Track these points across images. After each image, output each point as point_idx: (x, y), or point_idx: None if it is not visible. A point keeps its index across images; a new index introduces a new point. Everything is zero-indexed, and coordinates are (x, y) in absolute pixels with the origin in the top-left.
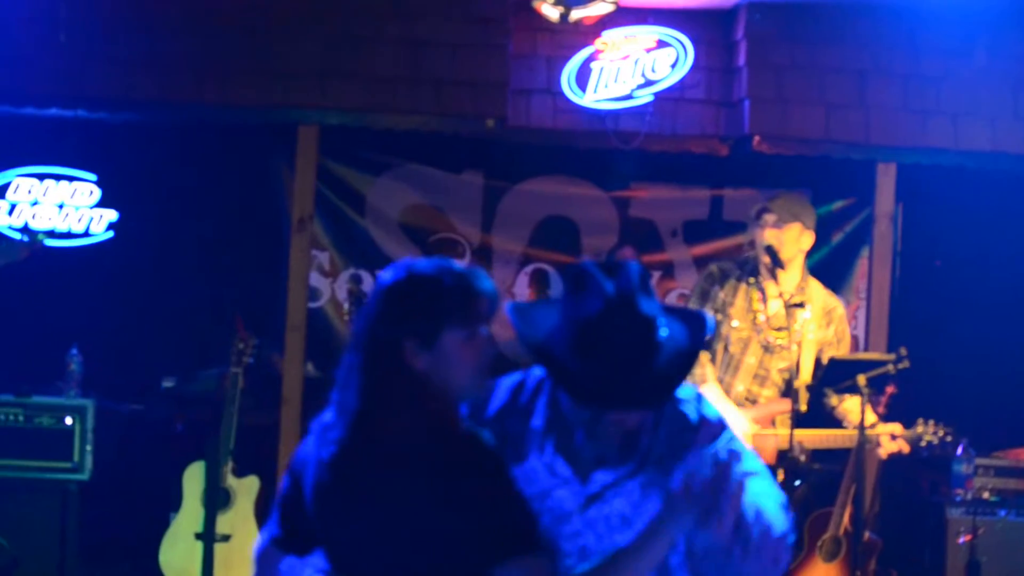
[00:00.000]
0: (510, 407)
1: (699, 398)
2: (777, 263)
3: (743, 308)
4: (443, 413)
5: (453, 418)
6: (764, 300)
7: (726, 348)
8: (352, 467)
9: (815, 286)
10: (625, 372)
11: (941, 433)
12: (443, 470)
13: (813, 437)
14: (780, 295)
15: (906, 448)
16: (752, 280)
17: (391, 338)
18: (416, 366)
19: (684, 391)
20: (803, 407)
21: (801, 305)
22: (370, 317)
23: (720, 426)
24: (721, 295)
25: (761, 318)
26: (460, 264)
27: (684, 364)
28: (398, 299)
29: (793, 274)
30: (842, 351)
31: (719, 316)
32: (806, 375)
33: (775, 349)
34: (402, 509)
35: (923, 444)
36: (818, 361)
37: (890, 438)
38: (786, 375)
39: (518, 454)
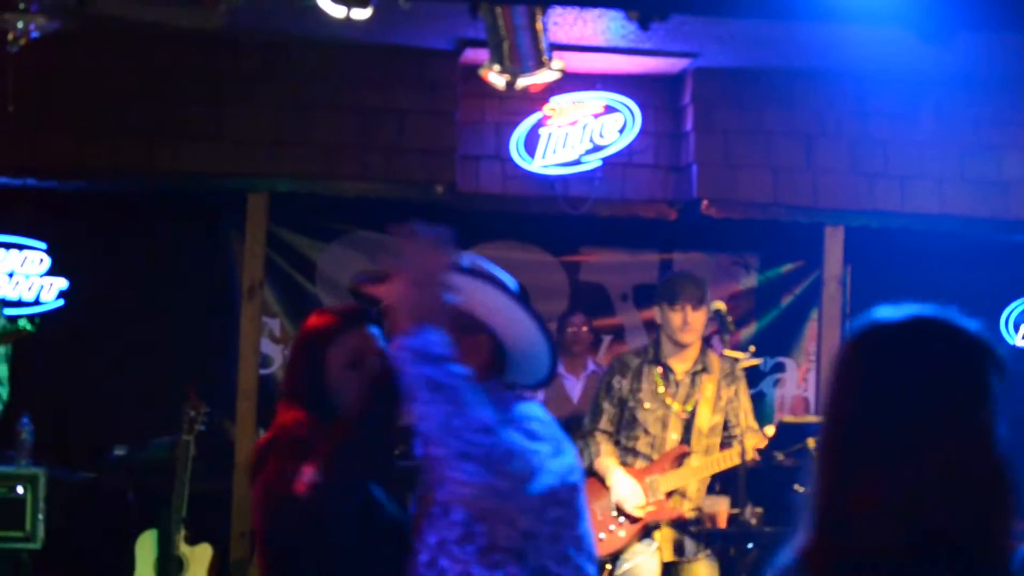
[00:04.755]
0: None
1: None
2: (728, 329)
3: (650, 390)
4: None
5: None
6: (667, 377)
7: (646, 431)
8: None
9: (710, 353)
10: None
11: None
12: None
13: (706, 464)
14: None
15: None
16: (653, 361)
17: None
18: None
19: None
20: (698, 458)
21: (704, 371)
22: None
23: None
24: (625, 384)
25: (670, 396)
26: None
27: None
28: None
29: (695, 345)
30: (745, 403)
31: (630, 403)
32: (703, 425)
33: (691, 420)
34: None
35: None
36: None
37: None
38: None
39: None
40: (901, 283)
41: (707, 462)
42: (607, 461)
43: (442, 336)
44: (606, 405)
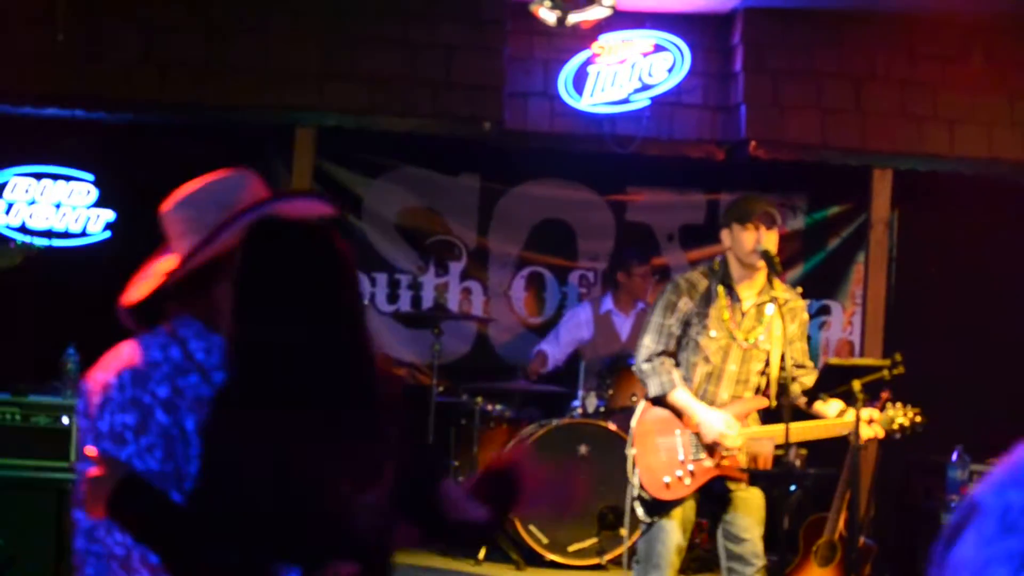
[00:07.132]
0: None
1: None
2: (776, 270)
3: (717, 317)
4: None
5: None
6: (734, 305)
7: (707, 359)
8: None
9: (778, 284)
10: None
11: (911, 415)
12: None
13: (805, 430)
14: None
15: (881, 433)
16: (723, 288)
17: None
18: None
19: None
20: (773, 402)
21: (773, 301)
22: None
23: None
24: (692, 306)
25: (733, 324)
26: None
27: None
28: None
29: (763, 273)
30: (802, 345)
31: (694, 327)
32: (774, 371)
33: (751, 352)
34: None
35: (895, 428)
36: (782, 357)
37: (867, 424)
38: (763, 376)
39: None
40: (948, 227)
41: (807, 428)
42: (686, 395)
43: None
44: (674, 327)
